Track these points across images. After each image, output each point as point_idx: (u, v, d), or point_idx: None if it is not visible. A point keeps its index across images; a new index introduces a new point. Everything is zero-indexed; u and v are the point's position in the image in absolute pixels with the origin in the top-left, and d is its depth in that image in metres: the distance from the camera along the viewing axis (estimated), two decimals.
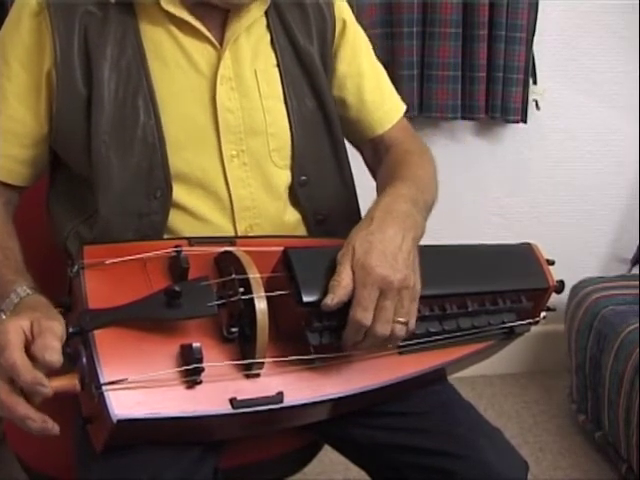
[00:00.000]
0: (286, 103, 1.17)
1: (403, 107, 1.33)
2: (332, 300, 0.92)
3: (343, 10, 1.25)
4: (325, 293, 0.93)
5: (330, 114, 1.22)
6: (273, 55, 1.18)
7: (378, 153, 1.29)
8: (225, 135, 1.13)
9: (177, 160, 1.10)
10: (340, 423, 1.11)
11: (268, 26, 1.18)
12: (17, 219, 1.17)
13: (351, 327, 0.93)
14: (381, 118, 1.28)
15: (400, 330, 0.95)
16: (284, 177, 1.19)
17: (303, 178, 1.20)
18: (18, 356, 0.84)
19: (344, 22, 1.24)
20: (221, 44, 1.13)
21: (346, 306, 0.93)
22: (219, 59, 1.12)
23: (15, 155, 1.12)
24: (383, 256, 0.94)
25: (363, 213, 1.27)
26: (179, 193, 1.11)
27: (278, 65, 1.18)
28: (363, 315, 0.92)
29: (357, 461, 1.20)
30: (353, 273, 0.93)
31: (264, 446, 1.27)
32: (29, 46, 1.09)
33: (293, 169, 1.19)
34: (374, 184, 1.22)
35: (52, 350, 0.85)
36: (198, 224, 1.12)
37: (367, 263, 0.93)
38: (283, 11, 1.19)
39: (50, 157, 1.17)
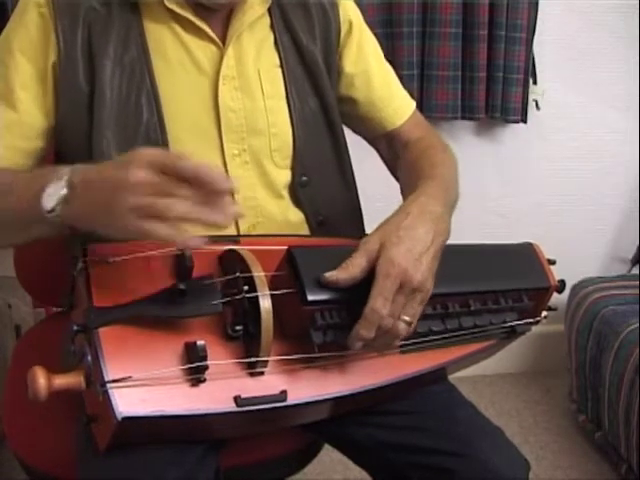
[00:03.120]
0: (288, 103, 1.17)
1: (413, 104, 1.33)
2: (330, 276, 0.92)
3: (349, 10, 1.25)
4: (329, 292, 0.92)
5: (332, 115, 1.22)
6: (276, 55, 1.18)
7: (394, 148, 1.30)
8: (227, 134, 1.13)
9: None
10: (340, 422, 1.11)
11: (272, 26, 1.18)
12: None
13: (367, 318, 0.91)
14: (391, 115, 1.29)
15: (403, 329, 0.94)
16: (284, 176, 1.19)
17: (304, 178, 1.20)
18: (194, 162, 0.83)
19: (350, 22, 1.24)
20: (224, 43, 1.13)
21: (350, 305, 0.93)
22: (222, 58, 1.13)
23: (19, 146, 1.11)
24: (410, 253, 0.93)
25: (365, 215, 1.28)
26: None
27: (281, 65, 1.18)
28: (383, 305, 0.91)
29: (357, 460, 1.20)
30: (367, 264, 0.93)
31: (264, 446, 1.27)
32: (34, 39, 1.08)
33: (294, 169, 1.19)
34: (376, 186, 1.21)
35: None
36: None
37: (393, 256, 0.92)
38: (286, 11, 1.19)
39: (54, 153, 1.17)
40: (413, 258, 0.93)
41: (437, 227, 0.98)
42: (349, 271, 0.92)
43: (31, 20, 1.09)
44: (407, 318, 0.94)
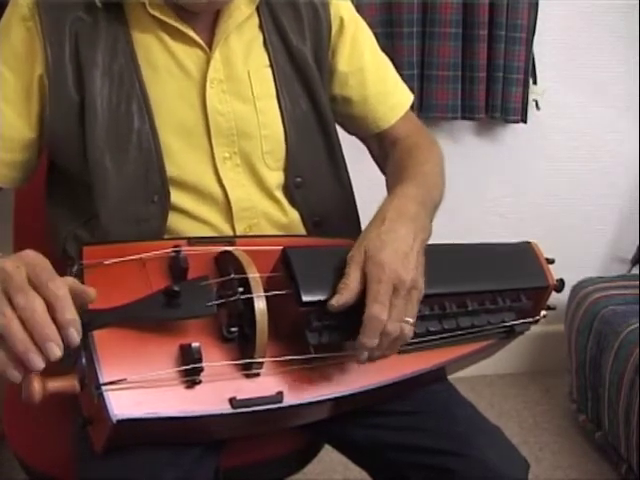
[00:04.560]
0: (279, 104, 1.17)
1: (409, 99, 1.32)
2: (337, 302, 0.91)
3: (340, 8, 1.23)
4: (324, 293, 0.92)
5: (324, 114, 1.21)
6: (265, 55, 1.17)
7: (384, 147, 1.29)
8: (217, 138, 1.13)
9: (171, 165, 1.10)
10: (340, 423, 1.11)
11: (260, 26, 1.17)
12: (15, 220, 1.17)
13: (368, 326, 0.91)
14: (386, 113, 1.28)
15: (409, 331, 0.94)
16: (276, 178, 1.18)
17: (298, 179, 1.19)
18: (67, 291, 0.79)
19: (341, 20, 1.23)
20: (210, 46, 1.12)
21: (347, 307, 0.93)
22: (209, 62, 1.12)
23: (3, 159, 1.11)
24: (396, 254, 0.93)
25: (361, 214, 1.28)
26: (176, 197, 1.11)
27: (271, 65, 1.17)
28: (381, 310, 0.90)
29: (357, 460, 1.20)
30: (363, 275, 0.92)
31: (264, 446, 1.26)
32: (19, 52, 1.08)
33: (287, 170, 1.18)
34: (372, 184, 1.21)
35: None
36: (198, 226, 1.12)
37: (381, 260, 0.92)
38: (276, 10, 1.18)
39: (48, 162, 1.17)
40: (400, 258, 0.93)
41: (416, 226, 0.98)
42: (350, 288, 0.92)
43: (16, 34, 1.08)
44: (410, 320, 0.94)
